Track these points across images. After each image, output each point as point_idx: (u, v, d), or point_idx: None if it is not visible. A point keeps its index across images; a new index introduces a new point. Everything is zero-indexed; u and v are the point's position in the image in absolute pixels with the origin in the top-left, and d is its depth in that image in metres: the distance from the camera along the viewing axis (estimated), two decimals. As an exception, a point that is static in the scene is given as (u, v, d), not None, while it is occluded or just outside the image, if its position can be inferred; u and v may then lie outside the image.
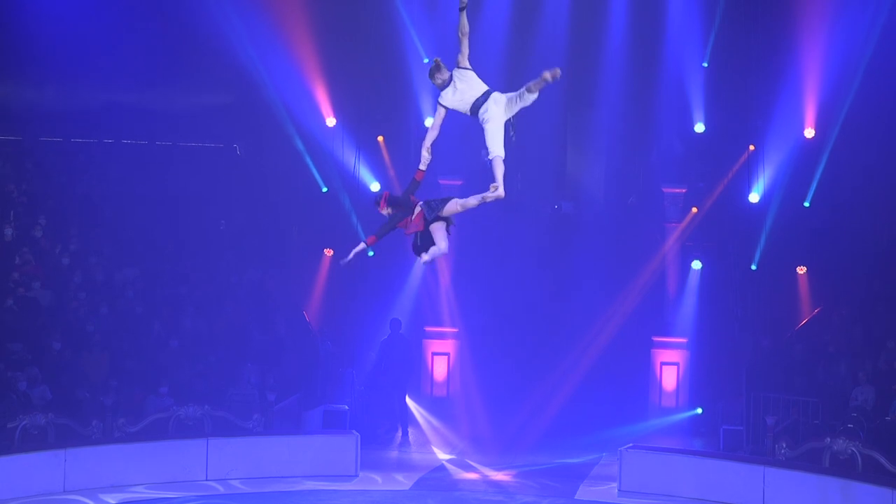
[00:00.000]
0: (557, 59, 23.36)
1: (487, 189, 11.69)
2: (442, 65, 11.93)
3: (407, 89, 23.55)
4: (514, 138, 12.03)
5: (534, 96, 11.82)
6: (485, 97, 11.84)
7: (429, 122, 12.02)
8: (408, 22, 23.20)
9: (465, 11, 11.80)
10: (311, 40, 23.32)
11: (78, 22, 22.63)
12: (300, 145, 23.83)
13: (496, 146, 11.77)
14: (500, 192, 11.75)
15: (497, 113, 11.80)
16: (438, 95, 11.96)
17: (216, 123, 24.82)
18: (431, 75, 11.96)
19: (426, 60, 22.59)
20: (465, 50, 11.84)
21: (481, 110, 11.83)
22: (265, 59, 23.27)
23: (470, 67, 11.90)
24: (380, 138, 24.26)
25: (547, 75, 11.59)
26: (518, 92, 11.83)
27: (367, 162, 24.09)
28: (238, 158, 25.52)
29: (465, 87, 11.91)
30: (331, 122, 23.86)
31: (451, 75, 11.90)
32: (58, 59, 23.03)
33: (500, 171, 11.74)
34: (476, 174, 20.84)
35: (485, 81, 11.89)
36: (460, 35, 11.86)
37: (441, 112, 12.07)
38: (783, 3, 22.49)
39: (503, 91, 11.90)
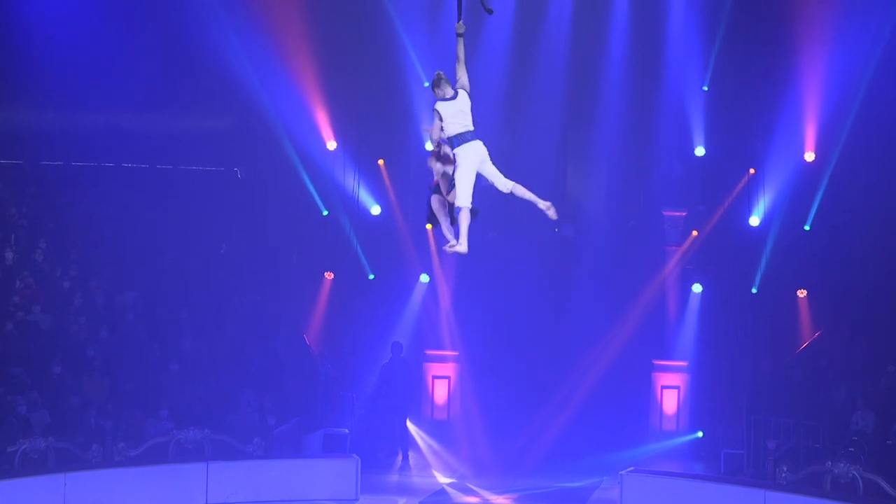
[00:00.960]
0: (558, 81, 23.43)
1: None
2: (445, 79, 11.65)
3: (407, 113, 23.56)
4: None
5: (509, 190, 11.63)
6: (468, 136, 11.54)
7: (429, 146, 11.84)
8: (408, 45, 23.22)
9: (462, 38, 11.57)
10: (312, 64, 23.34)
11: (78, 46, 22.62)
12: (301, 169, 23.84)
13: (462, 196, 11.39)
14: (462, 248, 11.35)
15: (469, 159, 11.46)
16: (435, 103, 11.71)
17: (217, 147, 24.78)
18: (433, 87, 11.70)
19: (426, 84, 22.61)
20: (464, 76, 11.61)
21: (457, 148, 11.52)
22: (266, 83, 23.28)
23: (469, 100, 11.59)
24: (380, 161, 24.28)
25: (548, 211, 11.42)
26: (503, 181, 11.61)
27: (367, 185, 24.11)
28: (239, 182, 25.50)
29: (458, 111, 11.56)
30: (331, 145, 23.87)
31: (456, 93, 11.64)
32: (58, 83, 23.01)
33: (464, 223, 11.32)
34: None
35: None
36: (458, 62, 11.68)
37: (437, 120, 11.71)
38: (783, 26, 22.50)
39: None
